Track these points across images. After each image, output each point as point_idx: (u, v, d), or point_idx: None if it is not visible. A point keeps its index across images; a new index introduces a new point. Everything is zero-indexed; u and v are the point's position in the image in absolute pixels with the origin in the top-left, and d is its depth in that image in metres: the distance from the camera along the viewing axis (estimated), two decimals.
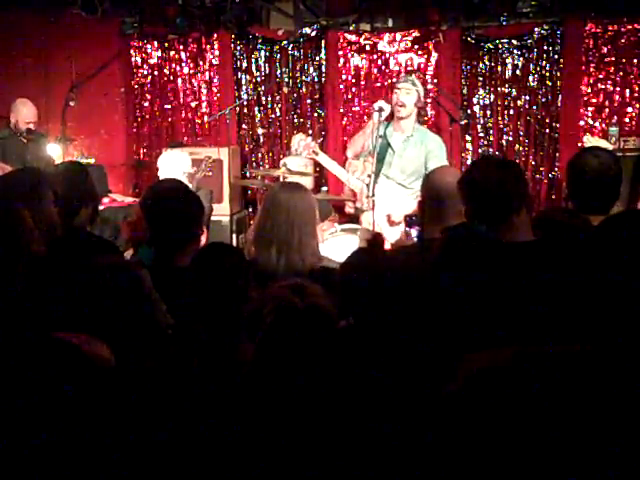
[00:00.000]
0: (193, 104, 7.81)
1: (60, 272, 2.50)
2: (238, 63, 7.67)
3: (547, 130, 7.16)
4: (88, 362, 1.79)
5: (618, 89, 6.92)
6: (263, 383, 1.84)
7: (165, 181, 4.07)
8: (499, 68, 7.23)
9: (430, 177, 3.34)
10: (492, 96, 7.26)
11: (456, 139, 6.54)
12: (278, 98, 7.67)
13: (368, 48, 7.41)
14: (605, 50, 6.90)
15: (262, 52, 7.64)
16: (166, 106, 7.87)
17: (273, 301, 1.92)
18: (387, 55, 7.39)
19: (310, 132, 7.56)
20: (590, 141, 6.14)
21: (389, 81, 7.31)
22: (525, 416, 1.71)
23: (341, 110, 7.47)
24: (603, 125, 6.87)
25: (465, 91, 7.30)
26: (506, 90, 7.23)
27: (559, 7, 6.91)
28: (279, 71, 7.62)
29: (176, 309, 2.54)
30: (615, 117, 6.82)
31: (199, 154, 6.55)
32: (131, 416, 1.90)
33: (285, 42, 7.55)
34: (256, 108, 7.72)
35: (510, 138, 7.25)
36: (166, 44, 7.76)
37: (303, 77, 7.60)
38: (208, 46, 7.68)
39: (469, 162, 7.30)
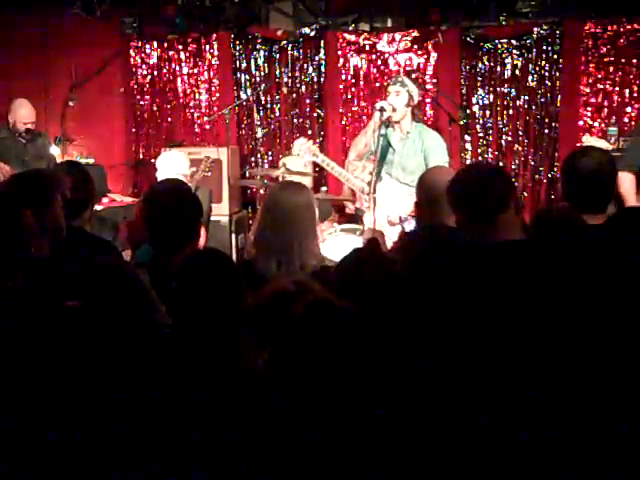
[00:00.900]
0: (192, 104, 7.81)
1: (60, 273, 2.50)
2: (237, 63, 7.67)
3: (546, 130, 7.16)
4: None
5: (617, 89, 6.92)
6: (285, 382, 1.83)
7: (164, 181, 4.07)
8: (498, 68, 7.23)
9: (425, 177, 3.35)
10: (491, 96, 7.26)
11: (455, 139, 6.54)
12: (277, 98, 7.67)
13: (367, 48, 7.41)
14: (604, 50, 6.90)
15: (261, 52, 7.64)
16: (165, 106, 7.87)
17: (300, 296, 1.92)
18: (386, 55, 7.38)
19: (309, 132, 7.56)
20: (589, 141, 6.15)
21: (388, 81, 7.30)
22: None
23: (340, 110, 7.47)
24: (602, 125, 6.87)
25: (464, 91, 7.30)
26: (505, 90, 7.23)
27: (558, 7, 6.90)
28: (278, 71, 7.62)
29: (174, 309, 2.54)
30: (614, 117, 6.80)
31: (198, 154, 6.55)
32: (130, 415, 1.90)
33: (284, 42, 7.55)
34: (255, 108, 7.72)
35: (509, 138, 7.25)
36: (165, 44, 7.76)
37: (302, 77, 7.60)
38: (207, 46, 7.68)
39: (468, 162, 7.31)
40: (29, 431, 1.90)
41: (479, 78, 7.28)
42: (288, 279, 2.46)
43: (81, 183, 3.42)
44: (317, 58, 7.55)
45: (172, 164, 5.49)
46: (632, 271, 2.18)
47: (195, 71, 7.76)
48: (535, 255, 2.30)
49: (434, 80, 7.25)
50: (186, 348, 2.12)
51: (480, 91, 7.29)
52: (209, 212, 5.87)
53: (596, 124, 6.94)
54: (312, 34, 7.48)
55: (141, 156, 7.96)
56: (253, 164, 7.72)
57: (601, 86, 6.94)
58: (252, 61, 7.66)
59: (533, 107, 7.17)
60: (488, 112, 7.29)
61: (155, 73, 7.84)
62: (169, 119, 7.87)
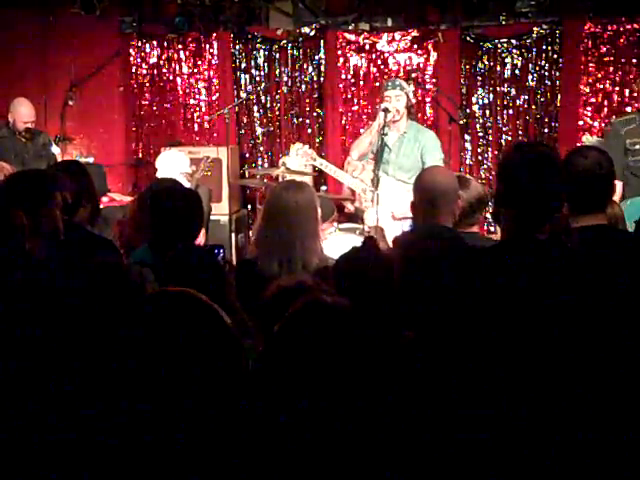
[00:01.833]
0: (192, 103, 7.81)
1: (60, 272, 2.50)
2: (237, 62, 7.67)
3: (546, 130, 7.16)
4: None
5: (617, 89, 6.93)
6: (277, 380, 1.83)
7: (164, 181, 4.07)
8: (498, 68, 7.24)
9: (422, 177, 3.35)
10: (491, 96, 7.27)
11: (455, 138, 6.54)
12: (277, 97, 7.67)
13: (367, 48, 7.41)
14: (604, 50, 6.91)
15: (261, 51, 7.64)
16: (165, 105, 7.87)
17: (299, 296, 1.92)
18: (386, 55, 7.39)
19: (309, 131, 7.56)
20: (589, 140, 6.14)
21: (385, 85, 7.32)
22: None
23: (340, 110, 7.47)
24: (602, 125, 6.88)
25: (464, 91, 7.30)
26: (505, 90, 7.23)
27: (558, 7, 6.91)
28: (278, 70, 7.62)
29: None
30: (614, 117, 6.81)
31: (198, 153, 6.56)
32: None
33: (284, 41, 7.55)
34: (255, 107, 7.72)
35: (509, 137, 7.25)
36: (165, 43, 7.76)
37: (302, 76, 7.60)
38: (207, 45, 7.68)
39: (467, 162, 7.32)
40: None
41: (479, 78, 7.29)
42: (291, 279, 2.46)
43: (80, 182, 3.42)
44: (317, 57, 7.55)
45: (173, 163, 5.49)
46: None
47: (195, 70, 7.76)
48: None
49: (434, 80, 7.26)
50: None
51: (480, 91, 7.30)
52: (209, 211, 5.88)
53: (596, 124, 6.95)
54: (312, 33, 7.48)
55: (140, 155, 7.96)
56: (253, 163, 7.72)
57: (601, 86, 6.95)
58: (252, 60, 7.66)
59: (533, 107, 7.18)
60: (488, 111, 7.30)
61: (155, 72, 7.84)
62: (169, 118, 7.87)
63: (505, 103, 7.24)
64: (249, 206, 7.64)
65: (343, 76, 7.46)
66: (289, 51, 7.59)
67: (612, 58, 6.89)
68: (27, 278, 2.49)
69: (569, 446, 1.93)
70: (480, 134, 7.34)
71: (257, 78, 7.68)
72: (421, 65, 7.32)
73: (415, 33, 7.30)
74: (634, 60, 6.82)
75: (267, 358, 1.91)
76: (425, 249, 2.81)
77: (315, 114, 7.63)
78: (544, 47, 7.09)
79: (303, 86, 7.62)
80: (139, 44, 7.80)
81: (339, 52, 7.42)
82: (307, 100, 7.62)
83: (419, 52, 7.33)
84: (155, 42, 7.78)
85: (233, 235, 6.79)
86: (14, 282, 2.45)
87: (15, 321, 2.21)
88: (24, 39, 7.56)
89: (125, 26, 7.71)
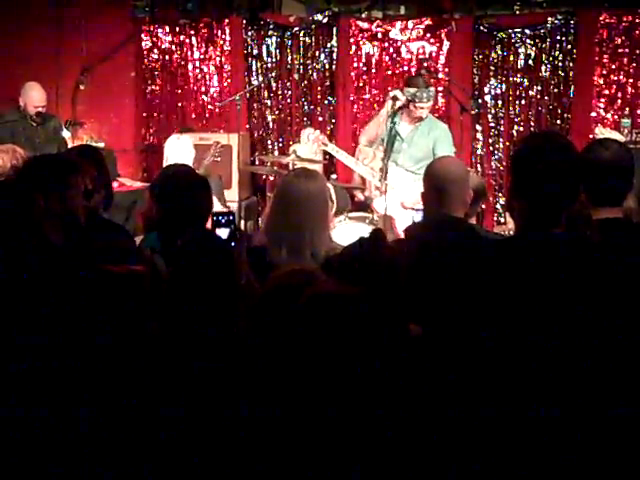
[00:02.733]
0: (203, 89, 7.80)
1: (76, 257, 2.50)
2: (249, 49, 7.65)
3: (558, 121, 7.12)
4: None
5: (631, 80, 6.88)
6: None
7: (172, 167, 4.06)
8: (511, 58, 7.19)
9: (432, 167, 3.32)
10: (504, 86, 7.23)
11: (466, 129, 6.52)
12: (289, 85, 7.65)
13: (380, 36, 7.38)
14: (619, 41, 6.86)
15: (273, 38, 7.61)
16: (176, 91, 7.85)
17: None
18: (399, 43, 7.35)
19: (320, 119, 7.54)
20: (602, 133, 6.09)
21: (400, 69, 7.29)
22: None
23: (352, 98, 7.45)
24: (615, 117, 6.83)
25: (476, 80, 7.27)
26: (518, 80, 7.19)
27: None
28: (290, 57, 7.59)
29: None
30: (627, 109, 6.78)
31: (208, 140, 6.54)
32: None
33: (296, 28, 7.52)
34: (266, 94, 7.69)
35: (521, 128, 7.21)
36: (177, 28, 7.73)
37: (314, 64, 7.57)
38: (219, 31, 7.65)
39: (479, 152, 7.29)
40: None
41: (491, 67, 7.25)
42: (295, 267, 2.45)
43: (96, 167, 3.41)
44: (329, 45, 7.52)
45: (180, 149, 5.46)
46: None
47: (206, 56, 7.74)
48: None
49: (446, 69, 7.23)
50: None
51: (492, 80, 7.26)
52: (220, 198, 5.87)
53: (609, 115, 6.91)
54: (324, 21, 7.45)
55: (151, 141, 7.95)
56: (263, 151, 7.71)
57: (615, 77, 6.91)
58: (264, 47, 7.63)
59: (546, 97, 7.14)
60: (500, 102, 7.26)
61: (167, 58, 7.82)
62: (180, 104, 7.85)
63: (518, 94, 7.20)
64: (259, 193, 7.63)
65: (355, 64, 7.43)
66: (301, 38, 7.56)
67: (627, 50, 6.84)
68: (44, 263, 2.50)
69: (584, 444, 1.93)
70: (492, 124, 7.30)
71: (269, 65, 7.66)
72: (434, 54, 7.28)
73: (428, 22, 7.26)
74: None
75: (274, 351, 1.91)
76: (436, 241, 2.80)
77: (326, 102, 7.60)
78: (558, 37, 7.04)
79: (315, 74, 7.59)
80: (151, 29, 7.78)
81: (351, 40, 7.38)
82: (319, 88, 7.60)
83: (432, 41, 7.29)
84: (167, 27, 7.76)
85: (242, 222, 6.79)
86: (31, 266, 2.46)
87: (31, 304, 2.22)
88: (37, 23, 7.55)
89: (138, 11, 7.69)
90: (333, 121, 7.56)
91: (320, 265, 3.07)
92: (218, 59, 7.71)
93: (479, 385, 2.04)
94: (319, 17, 7.45)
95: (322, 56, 7.55)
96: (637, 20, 6.78)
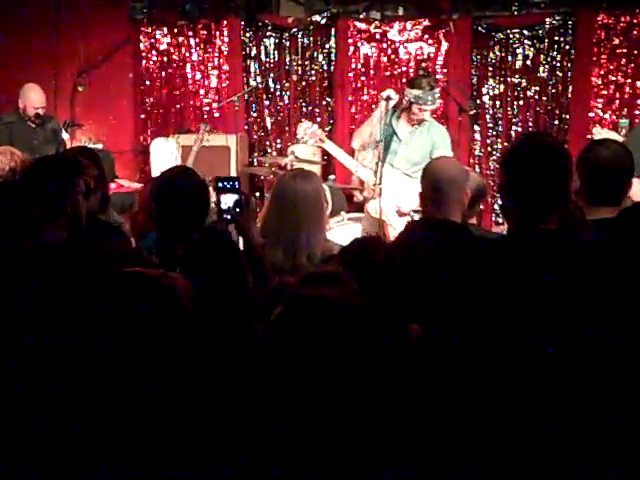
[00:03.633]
0: (202, 91, 7.80)
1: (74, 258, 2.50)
2: (247, 50, 7.66)
3: (557, 121, 7.13)
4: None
5: (629, 81, 6.89)
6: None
7: (171, 170, 4.05)
8: (509, 58, 7.20)
9: (430, 167, 3.33)
10: (502, 86, 7.24)
11: (465, 129, 6.51)
12: (287, 86, 7.65)
13: (378, 37, 7.38)
14: (617, 41, 6.86)
15: (271, 39, 7.62)
16: (174, 92, 7.85)
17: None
18: (397, 44, 7.35)
19: (318, 120, 7.54)
20: (600, 133, 6.08)
21: (398, 70, 7.29)
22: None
23: (350, 99, 7.45)
24: (613, 117, 6.84)
25: (475, 81, 7.28)
26: (516, 80, 7.20)
27: None
28: (288, 59, 7.60)
29: None
30: (625, 109, 6.78)
31: (207, 141, 6.54)
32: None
33: (295, 29, 7.53)
34: (265, 95, 7.70)
35: (519, 129, 7.22)
36: (175, 30, 7.74)
37: (312, 65, 7.57)
38: (217, 32, 7.65)
39: (477, 153, 7.30)
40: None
41: (490, 68, 7.25)
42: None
43: (93, 169, 3.42)
44: (327, 46, 7.53)
45: (165, 152, 5.43)
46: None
47: (205, 58, 7.74)
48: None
49: (444, 70, 7.23)
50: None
51: (490, 81, 7.27)
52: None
53: (607, 116, 6.91)
54: (323, 22, 7.45)
55: (149, 142, 7.94)
56: (262, 152, 7.71)
57: (613, 78, 6.91)
58: (262, 48, 7.64)
59: (544, 98, 7.14)
60: (498, 102, 7.27)
61: (165, 59, 7.82)
62: (178, 105, 7.85)
63: (516, 94, 7.21)
64: (257, 194, 7.63)
65: (353, 65, 7.43)
66: (299, 39, 7.56)
67: (625, 50, 6.84)
68: (41, 263, 2.49)
69: (583, 442, 1.93)
70: (490, 125, 7.31)
71: (267, 66, 7.66)
72: (432, 55, 7.28)
73: (426, 22, 7.26)
74: None
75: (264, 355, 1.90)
76: (430, 242, 2.80)
77: (325, 103, 7.61)
78: (556, 38, 7.05)
79: (313, 75, 7.59)
80: (149, 30, 7.78)
81: (350, 41, 7.38)
82: (317, 89, 7.60)
83: (430, 42, 7.29)
84: (165, 29, 7.76)
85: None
86: (27, 267, 2.46)
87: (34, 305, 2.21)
88: (35, 24, 7.55)
89: (136, 12, 7.68)
90: (331, 122, 7.56)
91: (316, 266, 3.08)
92: (216, 60, 7.71)
93: (476, 385, 2.05)
94: (317, 18, 7.45)
95: (320, 57, 7.56)
96: (635, 20, 6.79)
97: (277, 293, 2.15)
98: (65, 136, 6.89)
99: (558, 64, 7.07)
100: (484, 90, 7.27)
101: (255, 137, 7.76)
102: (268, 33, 7.61)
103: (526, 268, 2.13)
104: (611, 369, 2.00)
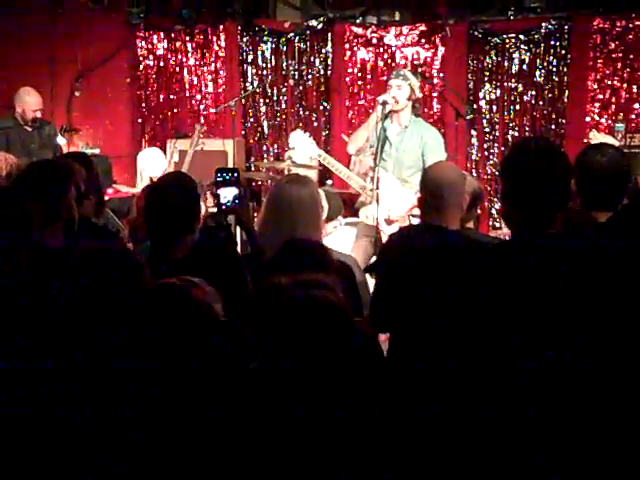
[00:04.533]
0: (198, 96, 7.80)
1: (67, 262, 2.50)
2: (244, 55, 7.67)
3: (553, 126, 7.14)
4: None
5: (625, 85, 6.90)
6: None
7: (163, 177, 4.04)
8: (506, 63, 7.21)
9: (429, 172, 3.33)
10: (498, 91, 7.25)
11: (461, 134, 6.52)
12: (284, 90, 7.66)
13: (375, 41, 7.39)
14: (613, 46, 6.87)
15: (268, 44, 7.62)
16: (171, 97, 7.86)
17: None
18: (394, 49, 7.37)
19: (315, 125, 7.55)
20: (596, 137, 6.10)
21: (390, 75, 7.30)
22: None
23: (347, 103, 7.45)
24: (609, 121, 6.85)
25: (471, 86, 7.28)
26: (512, 85, 7.21)
27: (567, 2, 6.89)
28: (285, 63, 7.60)
29: None
30: (621, 114, 6.79)
31: (203, 145, 6.54)
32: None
33: (291, 34, 7.54)
34: (262, 100, 7.70)
35: (516, 133, 7.22)
36: (172, 35, 7.74)
37: (309, 70, 7.58)
38: (214, 37, 7.66)
39: (474, 157, 7.31)
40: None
41: (486, 73, 7.26)
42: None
43: (87, 173, 3.42)
44: (324, 51, 7.54)
45: (152, 162, 5.39)
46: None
47: (202, 62, 7.75)
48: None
49: (441, 74, 7.24)
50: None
51: (487, 86, 7.28)
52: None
53: (603, 120, 6.92)
54: (319, 26, 7.46)
55: (146, 147, 7.95)
56: (259, 157, 7.71)
57: (609, 82, 6.93)
58: (259, 53, 7.64)
59: (540, 102, 7.15)
60: (495, 107, 7.27)
61: (161, 64, 7.83)
62: (175, 110, 7.86)
63: (512, 99, 7.22)
64: (254, 199, 7.62)
65: (350, 70, 7.44)
66: (296, 44, 7.57)
67: (621, 54, 6.86)
68: (35, 266, 2.49)
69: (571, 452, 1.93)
70: (487, 130, 7.32)
71: (264, 71, 7.67)
72: (428, 59, 7.29)
73: (423, 27, 7.28)
74: None
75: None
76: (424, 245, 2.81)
77: (322, 107, 7.62)
78: (552, 43, 7.07)
79: (310, 79, 7.60)
80: (146, 35, 7.79)
81: (346, 45, 7.40)
82: (314, 93, 7.61)
83: (426, 46, 7.30)
84: (162, 33, 7.77)
85: (238, 228, 6.78)
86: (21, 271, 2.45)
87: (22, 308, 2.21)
88: (32, 29, 7.55)
89: (132, 17, 7.69)
90: (328, 126, 7.57)
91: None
92: (213, 65, 7.72)
93: (472, 387, 2.05)
94: (314, 23, 7.46)
95: (317, 62, 7.57)
96: (630, 25, 6.80)
97: (267, 294, 2.15)
98: (62, 141, 6.88)
99: (554, 69, 7.08)
100: (481, 95, 7.28)
101: (252, 142, 7.76)
102: (265, 38, 7.62)
103: (530, 272, 2.13)
104: (614, 375, 2.00)
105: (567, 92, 7.04)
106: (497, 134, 7.29)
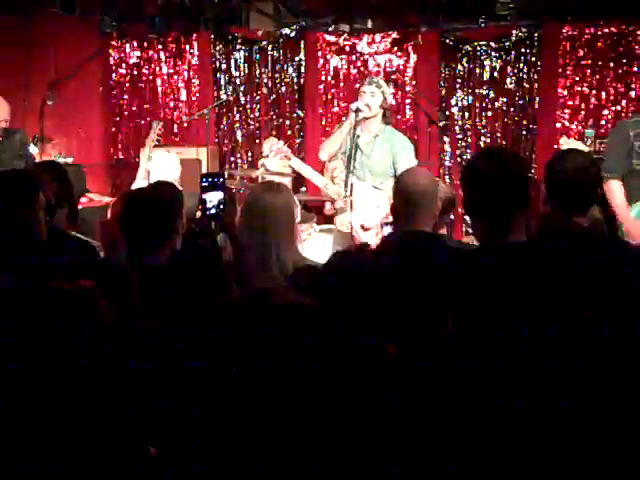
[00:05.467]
0: (172, 104, 7.80)
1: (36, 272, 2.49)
2: (217, 63, 7.67)
3: (524, 132, 7.22)
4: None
5: (594, 92, 7.00)
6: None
7: (139, 189, 4.02)
8: (477, 70, 7.28)
9: (402, 179, 3.33)
10: (470, 98, 7.32)
11: (434, 140, 6.58)
12: (257, 98, 7.68)
13: (347, 49, 7.43)
14: (582, 53, 6.97)
15: (241, 52, 7.64)
16: (145, 105, 7.84)
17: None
18: (366, 56, 7.41)
19: (289, 132, 7.57)
20: (567, 143, 6.17)
21: (362, 82, 7.34)
22: None
23: (320, 111, 7.48)
24: (579, 127, 6.94)
25: (443, 93, 7.35)
26: (484, 92, 7.28)
27: (537, 10, 6.97)
28: (258, 71, 7.62)
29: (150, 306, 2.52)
30: (591, 120, 6.88)
31: (180, 154, 6.53)
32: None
33: (264, 42, 7.56)
34: (235, 108, 7.71)
35: (488, 140, 7.30)
36: (145, 43, 7.73)
37: (282, 77, 7.61)
38: (187, 46, 7.67)
39: (447, 163, 7.36)
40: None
41: (458, 80, 7.33)
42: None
43: (59, 182, 3.40)
44: (297, 58, 7.57)
45: (164, 166, 5.35)
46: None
47: (175, 71, 7.75)
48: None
49: (413, 82, 7.29)
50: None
51: (459, 93, 7.34)
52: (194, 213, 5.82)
53: (573, 126, 7.01)
54: (292, 35, 7.49)
55: (120, 156, 7.93)
56: (232, 164, 7.71)
57: (578, 88, 7.02)
58: (232, 61, 7.66)
59: (511, 109, 7.23)
60: (467, 114, 7.34)
61: (135, 72, 7.82)
62: (148, 119, 7.83)
63: (484, 105, 7.30)
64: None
65: (323, 77, 7.47)
66: (269, 52, 7.60)
67: (590, 61, 6.95)
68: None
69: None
70: (459, 136, 7.38)
71: (237, 79, 7.68)
72: (401, 67, 7.35)
73: (395, 35, 7.33)
74: (611, 63, 6.89)
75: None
76: (405, 256, 2.83)
77: (295, 115, 7.64)
78: (523, 50, 7.15)
79: (283, 87, 7.63)
80: (119, 44, 7.78)
81: (319, 53, 7.43)
82: (287, 101, 7.64)
83: (399, 54, 7.36)
84: (135, 42, 7.76)
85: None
86: None
87: None
88: (3, 38, 7.50)
89: (105, 26, 7.67)
90: (302, 134, 7.59)
91: (287, 277, 3.09)
92: (186, 73, 7.72)
93: (453, 397, 2.06)
94: (287, 31, 7.48)
95: (290, 70, 7.59)
96: (599, 32, 6.90)
97: (248, 301, 2.15)
98: (34, 150, 6.83)
99: (525, 75, 7.17)
100: (453, 102, 7.35)
101: (226, 149, 7.77)
102: (238, 46, 7.64)
103: (493, 282, 2.16)
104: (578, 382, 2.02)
105: (538, 99, 7.12)
106: (469, 140, 7.36)
